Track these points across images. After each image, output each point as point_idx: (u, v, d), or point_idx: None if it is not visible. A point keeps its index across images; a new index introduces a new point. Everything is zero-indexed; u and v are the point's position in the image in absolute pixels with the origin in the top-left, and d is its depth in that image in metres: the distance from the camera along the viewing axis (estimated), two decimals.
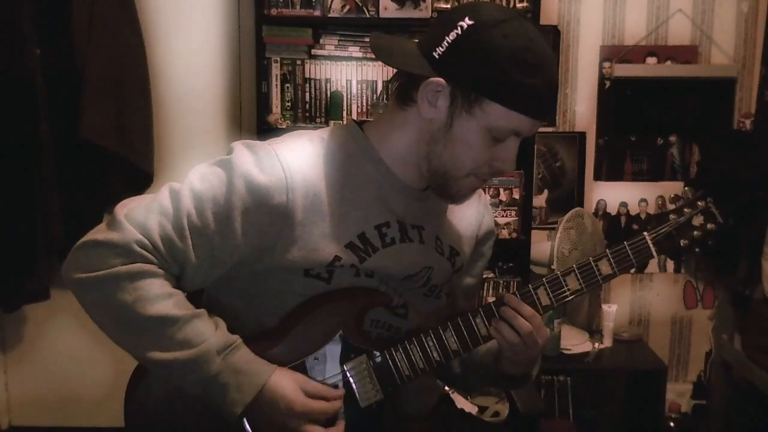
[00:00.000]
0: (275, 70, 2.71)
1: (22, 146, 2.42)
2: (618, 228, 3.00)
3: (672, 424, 2.91)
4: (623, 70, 2.90)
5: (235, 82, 2.85)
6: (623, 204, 3.01)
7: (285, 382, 1.21)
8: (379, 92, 2.72)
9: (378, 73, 2.73)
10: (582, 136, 2.97)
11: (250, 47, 2.72)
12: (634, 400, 2.90)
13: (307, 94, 2.74)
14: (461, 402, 2.33)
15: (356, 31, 2.71)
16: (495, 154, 1.24)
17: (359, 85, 2.73)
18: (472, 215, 1.45)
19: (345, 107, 2.73)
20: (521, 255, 2.78)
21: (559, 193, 2.99)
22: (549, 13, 2.87)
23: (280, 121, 2.68)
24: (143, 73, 2.56)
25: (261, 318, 1.29)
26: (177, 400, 1.25)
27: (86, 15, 2.39)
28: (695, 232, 1.27)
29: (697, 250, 1.28)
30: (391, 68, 1.31)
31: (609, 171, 3.00)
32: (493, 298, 1.30)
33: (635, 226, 2.98)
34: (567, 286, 1.27)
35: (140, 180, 2.56)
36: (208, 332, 1.19)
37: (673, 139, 2.98)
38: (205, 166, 1.24)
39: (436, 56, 1.20)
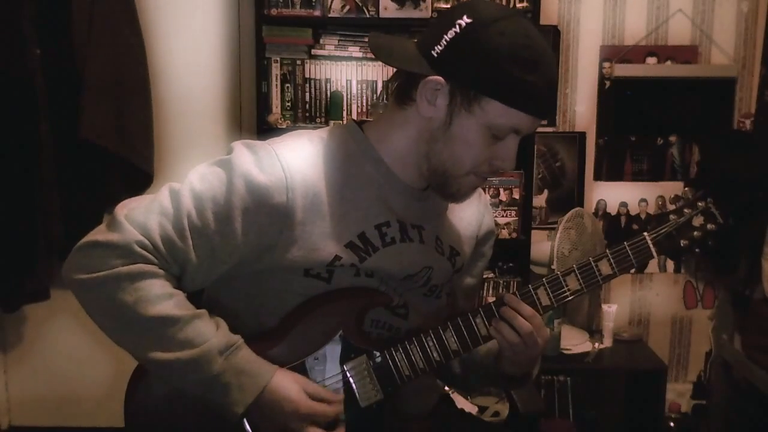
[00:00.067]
0: (275, 70, 2.71)
1: (22, 146, 2.43)
2: (618, 228, 3.00)
3: (672, 424, 2.91)
4: (623, 70, 2.90)
5: (235, 82, 2.85)
6: (623, 204, 3.01)
7: (287, 383, 1.21)
8: (379, 92, 2.72)
9: (378, 73, 2.73)
10: (582, 136, 2.97)
11: (250, 47, 2.72)
12: (634, 400, 2.90)
13: (307, 94, 2.73)
14: (461, 402, 2.33)
15: (356, 31, 2.71)
16: (495, 153, 1.24)
17: (359, 85, 2.73)
18: (472, 215, 1.45)
19: (345, 107, 2.73)
20: (521, 255, 2.78)
21: (559, 193, 2.99)
22: (549, 13, 2.87)
23: (280, 121, 2.68)
24: (143, 73, 2.56)
25: (261, 318, 1.29)
26: (177, 400, 1.25)
27: (86, 15, 2.39)
28: (695, 233, 1.27)
29: (697, 250, 1.28)
30: (391, 68, 1.31)
31: (609, 171, 3.00)
32: (493, 298, 1.30)
33: (635, 226, 2.98)
34: (567, 286, 1.27)
35: (140, 180, 2.56)
36: (209, 332, 1.19)
37: (673, 139, 2.98)
38: (205, 166, 1.24)
39: (435, 55, 1.20)
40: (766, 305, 2.54)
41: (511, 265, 2.85)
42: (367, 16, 2.67)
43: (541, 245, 2.81)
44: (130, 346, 1.20)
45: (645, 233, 1.27)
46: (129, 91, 2.51)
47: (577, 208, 2.77)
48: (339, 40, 2.72)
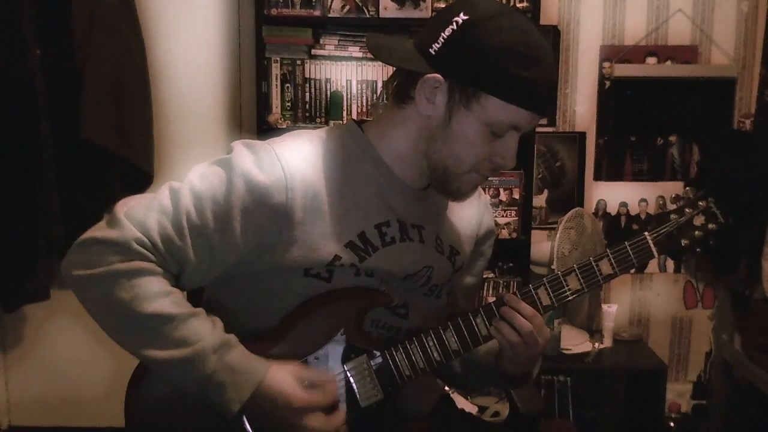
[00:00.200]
0: (275, 70, 2.71)
1: (22, 146, 2.43)
2: (618, 228, 3.00)
3: (672, 424, 2.92)
4: (623, 70, 2.90)
5: (235, 82, 2.85)
6: (623, 204, 3.01)
7: (281, 376, 1.20)
8: (379, 92, 2.72)
9: (378, 73, 2.73)
10: (582, 136, 2.97)
11: (250, 47, 2.72)
12: (634, 400, 2.90)
13: (307, 94, 2.73)
14: (461, 402, 2.33)
15: (356, 31, 2.71)
16: (494, 150, 1.24)
17: (359, 85, 2.73)
18: (472, 214, 1.45)
19: (345, 107, 2.73)
20: (521, 255, 2.78)
21: (559, 193, 2.99)
22: (549, 13, 2.87)
23: (280, 121, 2.68)
24: (143, 73, 2.56)
25: (261, 318, 1.29)
26: (177, 400, 1.25)
27: (86, 15, 2.39)
28: (696, 232, 1.27)
29: (698, 250, 1.28)
30: (391, 68, 1.31)
31: (609, 171, 3.00)
32: (493, 298, 1.30)
33: (635, 226, 2.98)
34: (568, 285, 1.27)
35: (140, 180, 2.55)
36: (204, 331, 1.18)
37: (673, 139, 2.98)
38: (205, 165, 1.24)
39: (433, 53, 1.20)
40: (766, 305, 2.54)
41: (511, 265, 2.85)
42: (367, 16, 2.67)
43: (541, 245, 2.81)
44: (127, 343, 1.20)
45: (646, 233, 1.27)
46: (129, 91, 2.51)
47: (577, 208, 2.77)
48: (339, 40, 2.72)
